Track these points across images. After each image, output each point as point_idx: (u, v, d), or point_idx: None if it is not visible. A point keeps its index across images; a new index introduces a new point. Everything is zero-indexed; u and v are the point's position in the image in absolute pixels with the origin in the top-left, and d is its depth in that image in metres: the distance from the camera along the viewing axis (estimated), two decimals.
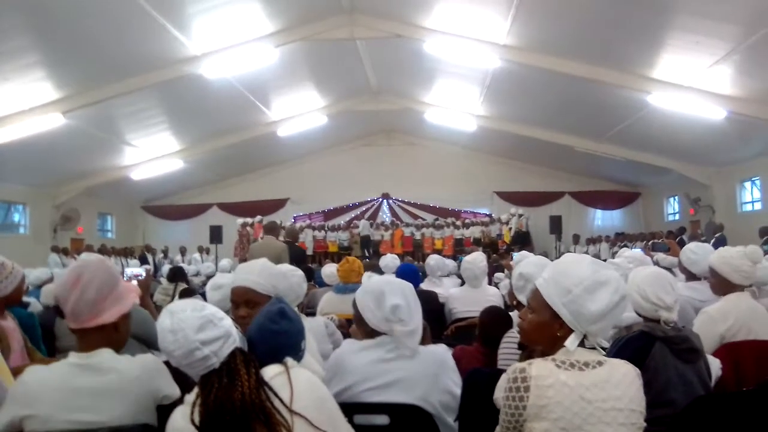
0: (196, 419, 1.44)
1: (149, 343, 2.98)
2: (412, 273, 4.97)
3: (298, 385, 1.52)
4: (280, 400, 1.48)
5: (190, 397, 1.52)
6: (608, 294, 1.65)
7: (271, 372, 1.56)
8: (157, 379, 1.87)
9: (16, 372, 2.18)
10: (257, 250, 6.62)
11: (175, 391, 1.90)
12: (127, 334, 1.98)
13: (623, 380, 1.61)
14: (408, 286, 2.27)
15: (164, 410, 1.90)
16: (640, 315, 2.46)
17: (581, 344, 1.68)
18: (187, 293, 5.70)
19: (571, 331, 1.67)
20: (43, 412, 1.71)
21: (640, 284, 2.42)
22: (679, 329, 2.37)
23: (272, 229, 7.47)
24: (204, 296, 5.51)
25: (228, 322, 1.58)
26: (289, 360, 1.59)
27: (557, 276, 1.72)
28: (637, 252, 4.87)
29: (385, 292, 2.20)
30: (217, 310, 1.59)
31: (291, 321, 1.70)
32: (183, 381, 2.03)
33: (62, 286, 1.87)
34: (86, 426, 1.72)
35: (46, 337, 3.36)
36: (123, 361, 1.85)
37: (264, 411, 1.45)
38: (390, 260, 6.15)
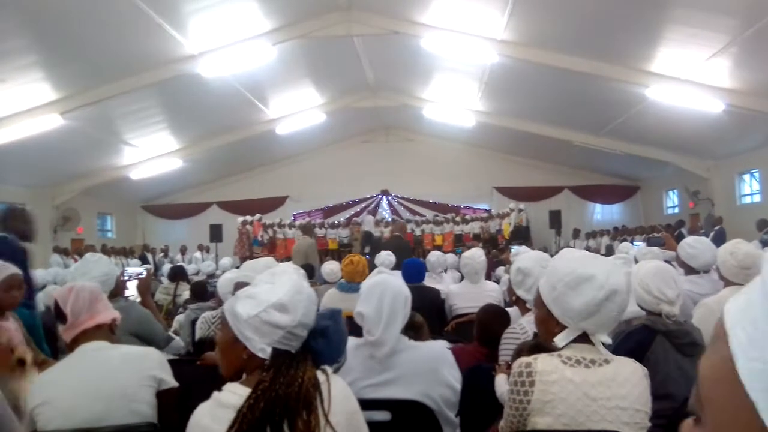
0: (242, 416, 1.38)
1: (149, 342, 3.00)
2: (417, 268, 4.94)
3: (335, 395, 1.49)
4: (322, 406, 1.46)
5: (235, 390, 1.45)
6: (592, 290, 1.61)
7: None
8: (158, 361, 2.09)
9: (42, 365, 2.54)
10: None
11: (171, 379, 2.07)
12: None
13: (629, 379, 1.60)
14: (393, 294, 2.12)
15: (163, 406, 2.01)
16: (643, 308, 2.46)
17: (587, 341, 1.68)
18: (198, 287, 5.66)
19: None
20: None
21: (643, 278, 2.41)
22: (681, 323, 2.36)
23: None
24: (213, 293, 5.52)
25: None
26: (328, 368, 1.56)
27: (548, 273, 1.74)
28: (655, 249, 4.87)
29: (362, 295, 2.17)
30: None
31: (328, 341, 1.59)
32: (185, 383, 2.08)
33: (59, 292, 2.20)
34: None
35: (49, 337, 3.37)
36: (126, 345, 2.21)
37: (310, 407, 1.43)
38: (385, 257, 6.07)
